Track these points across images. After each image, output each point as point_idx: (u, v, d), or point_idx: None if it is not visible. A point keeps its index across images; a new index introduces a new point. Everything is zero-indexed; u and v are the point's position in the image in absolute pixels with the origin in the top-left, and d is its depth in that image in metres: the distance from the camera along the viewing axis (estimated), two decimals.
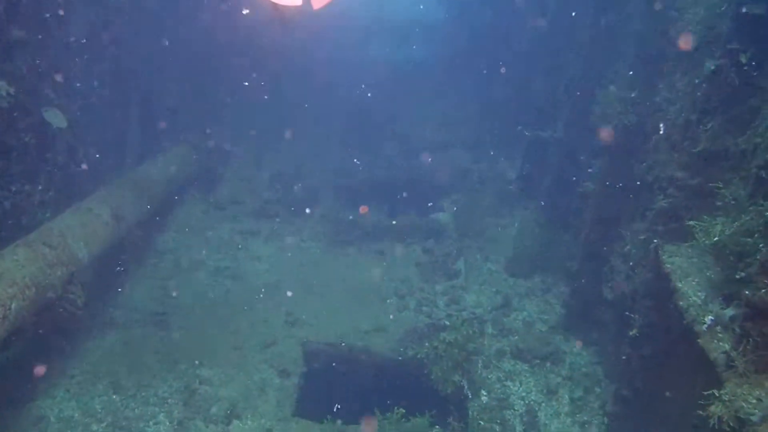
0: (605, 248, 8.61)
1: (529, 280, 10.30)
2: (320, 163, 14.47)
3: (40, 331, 6.30)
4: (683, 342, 6.08)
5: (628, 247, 7.65)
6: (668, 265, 6.18)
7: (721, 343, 4.90)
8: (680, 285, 5.84)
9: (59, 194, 9.41)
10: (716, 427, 4.30)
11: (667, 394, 6.48)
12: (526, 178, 12.69)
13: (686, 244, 6.36)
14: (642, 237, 7.52)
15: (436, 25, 20.97)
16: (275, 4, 5.29)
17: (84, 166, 10.20)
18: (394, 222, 12.14)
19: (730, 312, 5.02)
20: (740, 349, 4.55)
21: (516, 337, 8.96)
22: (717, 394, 4.41)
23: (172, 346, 8.30)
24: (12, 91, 8.05)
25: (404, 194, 13.70)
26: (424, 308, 9.67)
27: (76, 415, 6.91)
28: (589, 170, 9.48)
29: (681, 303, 5.64)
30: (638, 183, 8.02)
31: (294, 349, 8.57)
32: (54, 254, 6.21)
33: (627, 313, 6.94)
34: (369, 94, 17.08)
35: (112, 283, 9.56)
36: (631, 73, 8.25)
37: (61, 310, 6.26)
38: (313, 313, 9.36)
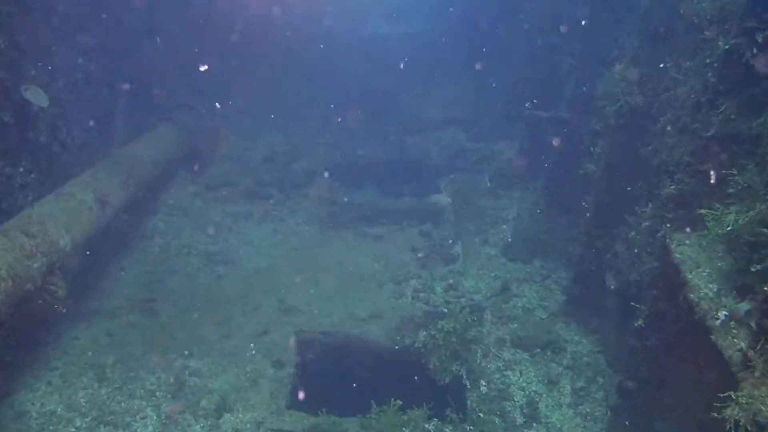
0: (608, 233, 8.35)
1: (528, 265, 10.03)
2: (316, 142, 14.11)
3: (18, 325, 6.00)
4: (692, 334, 5.84)
5: (633, 233, 7.37)
6: (677, 255, 5.90)
7: (736, 340, 4.63)
8: (690, 276, 5.57)
9: (42, 176, 9.05)
10: (732, 431, 4.07)
11: (673, 386, 6.27)
12: (525, 158, 12.38)
13: (696, 232, 6.10)
14: (647, 223, 7.25)
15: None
16: None
17: (68, 146, 9.89)
18: (390, 204, 11.84)
19: (745, 306, 4.75)
20: (758, 347, 4.30)
21: (516, 325, 8.72)
22: (733, 397, 4.16)
23: (161, 335, 8.03)
24: None
25: (401, 175, 13.41)
26: (422, 294, 9.40)
27: (59, 409, 6.65)
28: (592, 149, 9.15)
29: (691, 296, 5.38)
30: (643, 166, 7.73)
31: (287, 338, 8.30)
32: (33, 243, 5.89)
33: (632, 303, 6.68)
34: (366, 71, 16.69)
35: (99, 269, 9.26)
36: (636, 50, 7.90)
37: (40, 302, 5.97)
38: (307, 299, 9.09)
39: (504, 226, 11.13)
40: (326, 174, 12.86)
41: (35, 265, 5.80)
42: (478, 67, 15.27)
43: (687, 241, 6.04)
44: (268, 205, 11.80)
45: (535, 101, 11.88)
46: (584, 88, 9.83)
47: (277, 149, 13.26)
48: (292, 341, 8.20)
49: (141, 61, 12.13)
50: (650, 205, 7.29)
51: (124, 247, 9.94)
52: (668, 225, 6.28)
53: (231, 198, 11.92)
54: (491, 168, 12.81)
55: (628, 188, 8.07)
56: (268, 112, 14.72)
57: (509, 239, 10.61)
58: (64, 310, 6.51)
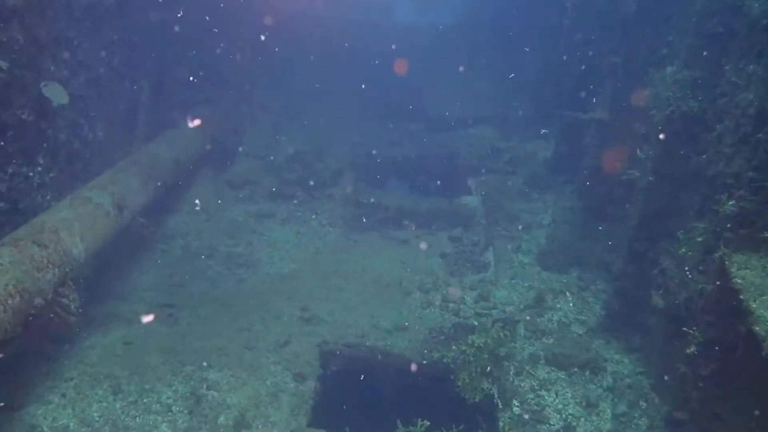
0: (654, 246, 7.81)
1: (564, 275, 9.51)
2: (341, 139, 13.70)
3: (28, 339, 5.71)
4: (752, 367, 5.34)
5: (683, 249, 6.82)
6: (738, 280, 5.37)
7: None
8: (755, 305, 5.05)
9: (62, 174, 8.76)
10: None
11: (729, 421, 5.75)
12: (561, 160, 11.84)
13: (760, 255, 5.56)
14: (700, 239, 6.70)
15: None
16: None
17: (89, 143, 9.61)
18: (418, 205, 11.38)
19: None
20: None
21: (551, 341, 8.23)
22: None
23: (179, 345, 7.70)
24: (5, 66, 7.36)
25: (429, 174, 12.97)
26: (451, 305, 8.96)
27: (72, 424, 6.35)
28: (639, 154, 8.57)
29: (757, 328, 4.86)
30: (695, 176, 7.17)
31: (310, 349, 7.93)
32: (45, 254, 5.57)
33: (684, 328, 6.15)
34: (393, 64, 16.24)
35: (117, 271, 8.98)
36: (690, 52, 7.30)
37: (51, 315, 5.66)
38: (330, 308, 8.70)
39: (538, 232, 10.61)
40: (352, 173, 12.47)
41: (46, 278, 5.49)
42: (511, 58, 14.81)
43: (749, 265, 5.50)
44: (292, 206, 11.42)
45: (564, 101, 11.38)
46: (628, 89, 9.25)
47: (301, 147, 12.86)
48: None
49: (165, 55, 11.80)
50: (704, 219, 6.76)
51: (144, 248, 9.65)
52: (727, 245, 5.74)
53: (254, 197, 11.57)
54: (524, 169, 12.27)
55: (678, 199, 7.53)
56: (292, 107, 14.36)
57: (544, 246, 10.08)
58: (77, 326, 6.19)
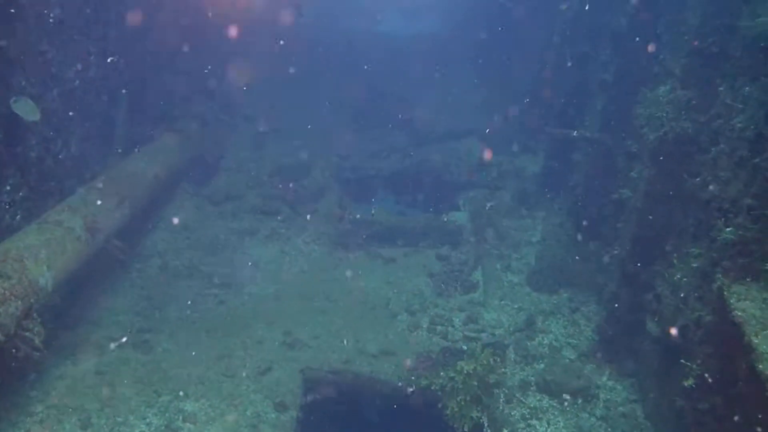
0: (647, 269, 7.59)
1: (554, 296, 9.28)
2: (326, 152, 13.41)
3: None
4: (753, 404, 5.10)
5: (678, 275, 6.60)
6: (738, 313, 5.15)
7: None
8: (757, 341, 4.82)
9: (33, 193, 8.42)
10: None
11: None
12: (550, 176, 11.63)
13: (760, 285, 5.35)
14: (696, 264, 6.49)
15: None
16: None
17: (63, 160, 9.25)
18: (405, 222, 11.11)
19: None
20: None
21: (542, 365, 7.98)
22: None
23: (154, 374, 7.35)
24: None
25: (416, 189, 12.72)
26: (439, 327, 8.69)
27: None
28: (631, 174, 8.36)
29: (760, 366, 4.63)
30: (690, 199, 6.97)
31: (292, 376, 7.62)
32: (7, 285, 5.23)
33: (681, 359, 5.92)
34: (378, 75, 16.04)
35: (90, 294, 8.61)
36: (684, 71, 7.11)
37: (14, 350, 5.31)
38: (314, 332, 8.40)
39: (527, 250, 10.38)
40: (337, 188, 12.18)
41: (9, 311, 5.14)
42: (498, 70, 14.62)
43: (749, 296, 5.28)
44: (275, 222, 11.10)
45: (553, 116, 11.19)
46: (619, 107, 9.07)
47: (285, 160, 12.56)
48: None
49: (144, 66, 11.45)
50: (699, 243, 6.55)
51: (119, 268, 9.28)
52: (726, 275, 5.52)
53: (236, 213, 11.23)
54: (513, 184, 12.04)
55: (672, 221, 7.33)
56: (277, 118, 14.05)
57: (533, 266, 9.85)
58: (42, 361, 5.83)
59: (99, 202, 7.44)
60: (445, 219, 11.03)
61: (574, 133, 9.50)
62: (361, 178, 12.70)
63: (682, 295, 6.53)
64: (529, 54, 12.87)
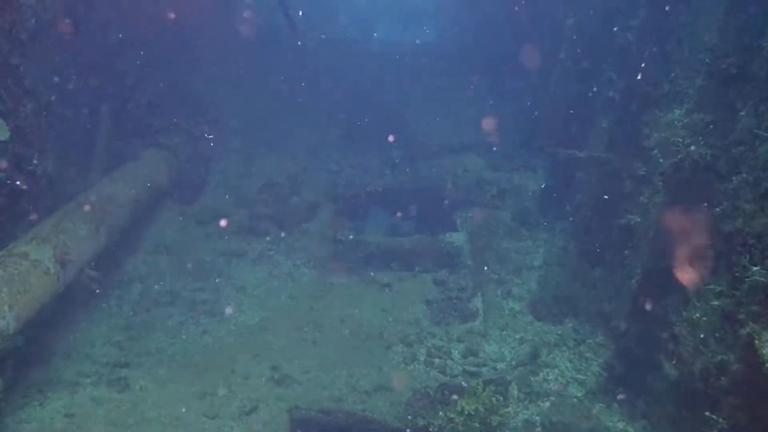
0: (659, 303, 7.11)
1: (558, 326, 8.78)
2: (318, 167, 12.93)
3: None
4: None
5: (697, 314, 6.12)
6: None
7: None
8: None
9: (2, 216, 7.89)
10: None
11: None
12: (551, 195, 11.16)
13: None
14: (716, 302, 6.02)
15: (448, 6, 19.35)
16: None
17: (37, 178, 8.70)
18: (400, 243, 10.58)
19: None
20: None
21: (547, 404, 7.47)
22: None
23: (130, 415, 6.78)
24: None
25: (412, 207, 12.20)
26: (437, 360, 8.17)
27: None
28: (640, 198, 7.90)
29: None
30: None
31: (280, 416, 7.08)
32: None
33: (703, 408, 5.44)
34: (373, 85, 15.57)
35: (63, 323, 8.05)
36: (700, 93, 6.66)
37: None
38: (304, 366, 7.86)
39: (529, 274, 9.88)
40: (329, 206, 11.67)
41: None
42: (497, 82, 14.17)
43: None
44: (264, 244, 10.56)
45: (554, 134, 10.72)
46: (626, 127, 8.61)
47: (275, 176, 12.04)
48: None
49: (126, 78, 10.93)
50: (720, 279, 6.08)
51: (96, 295, 8.71)
52: (756, 320, 5.04)
53: (223, 234, 10.68)
54: (512, 203, 11.56)
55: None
56: (267, 131, 13.55)
57: (536, 292, 9.36)
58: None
59: (72, 230, 6.87)
60: (442, 239, 10.54)
61: (580, 154, 9.02)
62: (353, 195, 12.17)
63: (701, 336, 6.04)
64: (529, 68, 12.41)
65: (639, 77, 8.44)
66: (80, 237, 6.97)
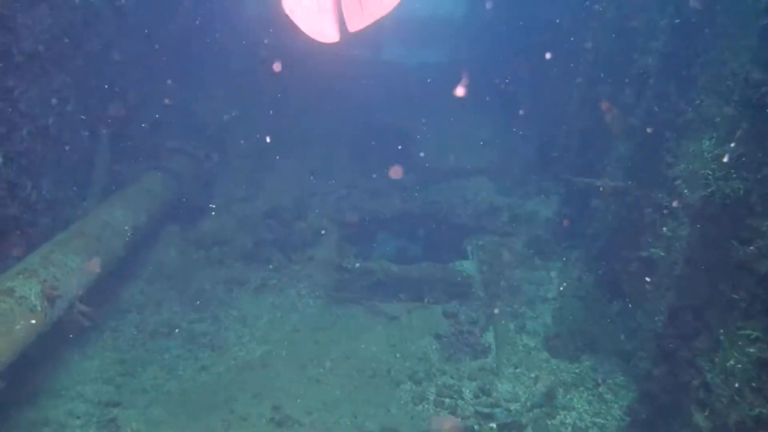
0: (687, 345, 6.66)
1: (575, 364, 8.32)
2: (324, 190, 12.57)
3: None
4: None
5: (731, 362, 5.67)
6: None
7: None
8: None
9: None
10: None
11: None
12: (565, 223, 10.74)
13: None
14: (752, 349, 5.57)
15: (457, 24, 19.09)
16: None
17: (33, 205, 8.37)
18: (409, 271, 10.16)
19: None
20: None
21: None
22: None
23: None
24: None
25: (421, 233, 11.83)
26: (447, 401, 7.72)
27: None
28: (663, 230, 7.48)
29: None
30: (740, 269, 6.07)
31: None
32: None
33: None
34: (381, 107, 15.23)
35: (53, 358, 7.65)
36: (732, 123, 6.26)
37: None
38: (307, 406, 7.42)
39: (543, 307, 9.45)
40: (335, 231, 11.28)
41: None
42: (508, 102, 13.82)
43: None
44: (267, 271, 10.17)
45: (569, 161, 10.33)
46: (647, 154, 8.21)
47: (280, 200, 11.67)
48: None
49: (127, 99, 10.61)
50: (756, 322, 5.64)
51: (89, 328, 8.30)
52: None
53: (225, 261, 10.30)
54: (525, 230, 11.15)
55: (717, 292, 6.41)
56: (273, 153, 13.19)
57: (551, 327, 8.92)
58: None
59: (63, 261, 6.50)
60: (452, 268, 10.12)
61: (599, 183, 8.61)
62: (360, 219, 11.78)
63: (736, 385, 5.59)
64: (543, 91, 12.08)
65: (660, 103, 8.08)
66: (72, 269, 6.60)
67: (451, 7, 19.58)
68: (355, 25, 3.58)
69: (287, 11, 3.62)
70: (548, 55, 10.08)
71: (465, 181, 12.90)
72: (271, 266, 10.28)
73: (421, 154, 13.60)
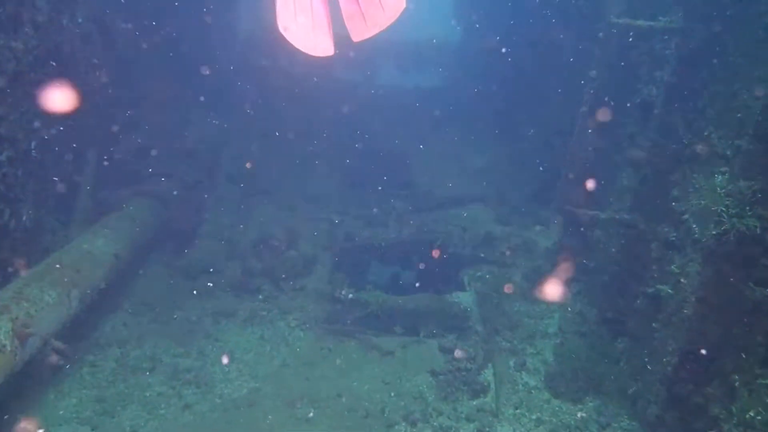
0: (700, 391, 6.31)
1: (579, 406, 7.93)
2: (317, 217, 12.22)
3: None
4: None
5: (751, 413, 5.32)
6: None
7: None
8: None
9: None
10: None
11: None
12: (565, 255, 10.42)
13: None
14: None
15: (453, 48, 18.97)
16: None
17: (11, 232, 7.98)
18: (404, 303, 9.77)
19: None
20: None
21: None
22: None
23: None
24: None
25: (416, 262, 11.45)
26: None
27: None
28: (671, 267, 7.15)
29: None
30: (755, 311, 5.76)
31: None
32: None
33: None
34: (375, 131, 14.99)
35: (26, 395, 7.19)
36: (747, 158, 6.00)
37: None
38: None
39: (544, 343, 9.08)
40: (328, 260, 10.92)
41: None
42: (505, 127, 13.61)
43: None
44: (257, 302, 9.77)
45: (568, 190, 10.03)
46: (653, 186, 7.95)
47: (271, 227, 11.31)
48: None
49: (114, 122, 10.30)
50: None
51: (67, 363, 7.86)
52: None
53: (213, 291, 9.89)
54: (524, 261, 10.83)
55: (731, 335, 6.08)
56: (264, 178, 12.87)
57: (553, 364, 8.54)
58: None
59: (37, 296, 6.10)
60: (449, 299, 9.76)
61: (603, 216, 8.32)
62: (353, 247, 11.43)
63: None
64: (541, 117, 11.86)
65: (666, 134, 7.83)
66: (47, 304, 6.20)
67: (447, 32, 19.50)
68: (359, 35, 3.40)
69: (281, 29, 3.43)
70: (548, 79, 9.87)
71: (462, 209, 12.59)
72: (260, 296, 9.89)
73: (415, 181, 13.33)
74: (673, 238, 7.36)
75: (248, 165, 11.84)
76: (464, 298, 10.00)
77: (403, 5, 3.29)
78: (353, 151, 14.15)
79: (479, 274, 10.48)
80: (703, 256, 6.19)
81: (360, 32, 3.38)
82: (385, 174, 13.60)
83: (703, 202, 6.13)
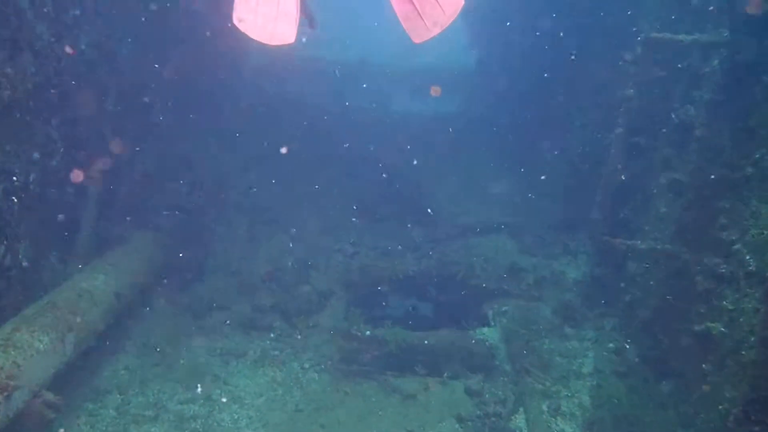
0: None
1: None
2: (330, 248, 11.61)
3: None
4: None
5: None
6: None
7: None
8: None
9: None
10: None
11: None
12: (597, 286, 9.77)
13: None
14: None
15: (469, 73, 18.53)
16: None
17: (6, 270, 7.47)
18: (425, 339, 9.11)
19: None
20: None
21: None
22: None
23: None
24: None
25: (436, 296, 10.82)
26: None
27: None
28: (723, 303, 6.49)
29: None
30: None
31: None
32: None
33: None
34: (391, 159, 14.44)
35: None
36: None
37: None
38: None
39: (578, 384, 8.36)
40: (343, 295, 10.31)
41: None
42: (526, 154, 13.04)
43: None
44: (268, 342, 9.15)
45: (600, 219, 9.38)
46: (697, 214, 7.31)
47: (283, 260, 10.74)
48: None
49: (120, 152, 9.83)
50: None
51: (65, 407, 7.26)
52: None
53: (221, 329, 9.30)
54: (552, 294, 10.14)
55: None
56: (275, 206, 12.33)
57: (590, 409, 7.82)
58: None
59: (27, 343, 5.52)
60: (473, 336, 9.10)
61: (642, 246, 7.67)
62: (370, 281, 10.80)
63: None
64: (563, 140, 11.29)
65: (710, 157, 7.21)
66: (37, 351, 5.62)
67: (463, 57, 19.08)
68: (419, 37, 3.14)
69: (236, 21, 3.26)
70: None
71: (483, 239, 11.93)
72: (272, 335, 9.27)
73: (431, 210, 12.74)
74: (723, 270, 6.71)
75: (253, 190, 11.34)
76: (490, 335, 9.37)
77: (462, 2, 2.93)
78: (367, 179, 13.60)
79: (505, 308, 9.81)
80: (764, 291, 5.52)
81: (420, 33, 3.09)
82: (402, 202, 13.05)
83: (759, 230, 5.49)
